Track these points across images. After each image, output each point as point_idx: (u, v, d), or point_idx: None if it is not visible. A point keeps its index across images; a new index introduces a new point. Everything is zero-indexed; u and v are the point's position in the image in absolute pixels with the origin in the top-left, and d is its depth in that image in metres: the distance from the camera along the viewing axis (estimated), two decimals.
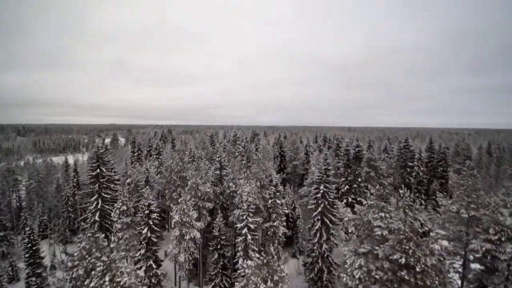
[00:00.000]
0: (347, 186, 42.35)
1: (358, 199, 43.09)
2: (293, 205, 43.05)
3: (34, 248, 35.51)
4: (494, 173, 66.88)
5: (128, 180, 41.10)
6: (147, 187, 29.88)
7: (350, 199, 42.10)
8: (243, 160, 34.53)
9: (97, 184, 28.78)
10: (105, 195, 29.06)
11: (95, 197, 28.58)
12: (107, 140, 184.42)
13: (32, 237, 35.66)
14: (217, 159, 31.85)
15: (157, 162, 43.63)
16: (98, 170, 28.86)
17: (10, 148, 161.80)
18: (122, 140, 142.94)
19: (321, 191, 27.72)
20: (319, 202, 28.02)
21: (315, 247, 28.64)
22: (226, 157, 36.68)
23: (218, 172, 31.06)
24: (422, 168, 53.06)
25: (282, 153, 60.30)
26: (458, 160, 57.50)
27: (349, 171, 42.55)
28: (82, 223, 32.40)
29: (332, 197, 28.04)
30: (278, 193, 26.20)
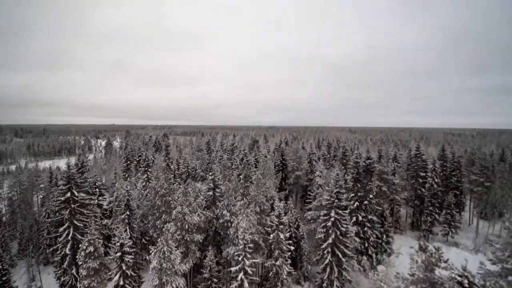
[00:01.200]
0: (357, 203, 38.02)
1: (370, 217, 38.86)
2: (297, 222, 38.79)
3: (4, 278, 31.38)
4: (509, 183, 62.47)
5: (112, 198, 36.82)
6: (127, 213, 25.51)
7: (360, 218, 37.84)
8: (240, 175, 30.21)
9: (68, 210, 24.44)
10: (77, 223, 24.73)
11: (65, 226, 24.25)
12: (103, 142, 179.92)
13: (1, 266, 31.52)
14: (210, 177, 27.52)
15: (145, 176, 39.29)
16: (69, 194, 24.53)
17: (3, 151, 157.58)
18: (118, 143, 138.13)
19: (332, 219, 23.47)
20: (330, 231, 23.76)
21: (324, 284, 24.39)
22: (221, 173, 32.37)
23: (211, 193, 26.73)
24: (436, 180, 48.67)
25: (283, 161, 55.95)
26: (474, 170, 53.08)
27: (359, 185, 38.23)
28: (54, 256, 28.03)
29: (345, 225, 23.73)
30: (281, 226, 21.91)
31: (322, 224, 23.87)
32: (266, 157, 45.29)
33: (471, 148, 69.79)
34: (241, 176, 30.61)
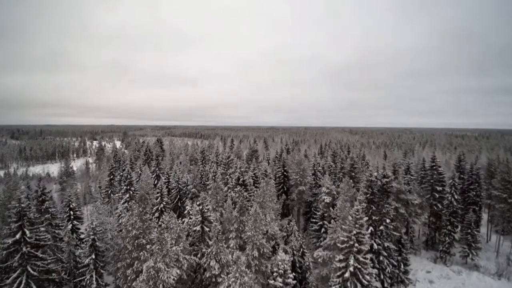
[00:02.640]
0: (371, 228, 33.06)
1: (386, 244, 33.83)
2: (301, 249, 33.79)
3: None
4: None
5: (86, 225, 31.71)
6: (92, 256, 20.33)
7: (375, 245, 32.87)
8: (235, 204, 25.13)
9: (19, 255, 19.36)
10: (32, 270, 19.64)
11: (15, 275, 19.15)
12: (98, 145, 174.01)
13: None
14: (198, 207, 22.45)
15: (127, 195, 34.22)
16: (20, 235, 19.44)
17: None
18: (111, 147, 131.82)
19: (351, 268, 18.44)
20: (347, 283, 18.72)
21: None
22: (213, 198, 27.30)
23: (198, 228, 21.66)
24: (456, 196, 43.58)
25: (285, 173, 50.95)
26: (495, 185, 47.89)
27: (373, 208, 33.22)
28: None
29: (367, 275, 18.64)
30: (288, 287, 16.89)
31: (338, 273, 18.81)
32: (266, 174, 40.27)
33: (487, 158, 64.43)
34: (236, 204, 25.50)
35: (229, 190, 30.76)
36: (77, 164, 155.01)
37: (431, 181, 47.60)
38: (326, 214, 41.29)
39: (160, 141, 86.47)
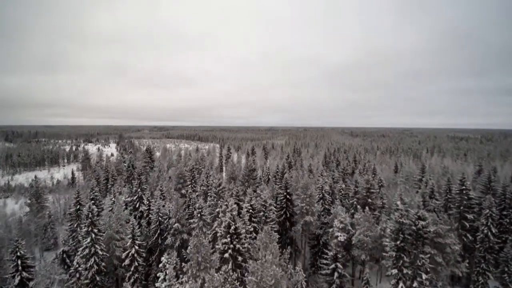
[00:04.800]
0: (401, 284, 25.80)
1: None
2: None
3: None
4: None
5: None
6: None
7: None
8: (225, 269, 17.72)
9: None
10: None
11: None
12: (93, 148, 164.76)
13: None
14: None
15: (89, 239, 26.86)
16: None
17: None
18: (97, 156, 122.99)
19: None
20: None
21: None
22: (193, 259, 19.85)
23: None
24: (493, 230, 36.28)
25: (288, 196, 43.66)
26: None
27: (404, 258, 25.93)
28: None
29: None
30: None
31: None
32: (265, 205, 32.89)
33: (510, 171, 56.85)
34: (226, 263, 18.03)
35: (218, 239, 23.29)
36: (66, 171, 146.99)
37: (460, 207, 40.36)
38: (339, 255, 34.06)
39: (149, 151, 78.86)
